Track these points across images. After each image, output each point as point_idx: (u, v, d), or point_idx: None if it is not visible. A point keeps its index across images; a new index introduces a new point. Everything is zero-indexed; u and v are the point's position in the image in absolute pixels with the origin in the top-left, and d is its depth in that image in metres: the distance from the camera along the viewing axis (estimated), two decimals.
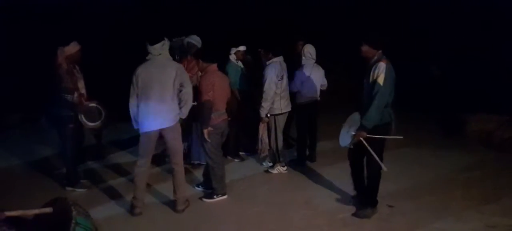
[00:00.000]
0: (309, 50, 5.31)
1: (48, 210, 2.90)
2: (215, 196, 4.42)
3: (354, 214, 4.08)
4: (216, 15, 9.48)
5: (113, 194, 4.60)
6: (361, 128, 3.71)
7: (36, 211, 2.92)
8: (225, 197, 4.45)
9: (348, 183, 4.87)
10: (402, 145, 6.24)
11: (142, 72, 3.86)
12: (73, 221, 2.80)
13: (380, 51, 3.75)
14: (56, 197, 3.21)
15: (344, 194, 4.57)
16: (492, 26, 8.29)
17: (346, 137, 3.93)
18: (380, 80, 3.60)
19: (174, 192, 4.15)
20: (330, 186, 4.83)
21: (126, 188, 4.72)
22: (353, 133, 3.78)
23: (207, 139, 4.22)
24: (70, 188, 4.66)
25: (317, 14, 10.10)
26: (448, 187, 4.78)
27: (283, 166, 5.24)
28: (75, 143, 4.61)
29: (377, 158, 3.77)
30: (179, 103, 3.99)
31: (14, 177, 5.11)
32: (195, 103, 4.27)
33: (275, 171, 5.20)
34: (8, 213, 2.79)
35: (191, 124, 4.96)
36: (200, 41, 5.23)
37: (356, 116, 3.90)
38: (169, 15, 9.28)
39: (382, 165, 3.81)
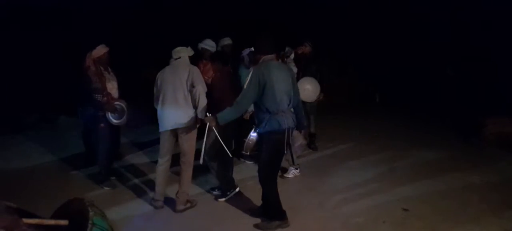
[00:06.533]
0: None
1: (64, 222, 2.93)
2: (228, 193, 4.46)
3: (256, 226, 3.87)
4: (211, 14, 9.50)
5: (130, 195, 4.64)
6: (216, 118, 3.64)
7: (52, 222, 2.96)
8: (237, 189, 4.50)
9: (362, 187, 4.85)
10: (417, 147, 6.22)
11: (160, 76, 4.15)
12: (90, 222, 2.81)
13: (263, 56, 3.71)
14: (73, 198, 3.24)
15: (359, 198, 4.53)
16: (509, 26, 8.15)
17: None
18: (247, 83, 3.66)
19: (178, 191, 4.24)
20: (344, 189, 4.80)
21: (143, 189, 4.78)
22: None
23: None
24: (100, 185, 4.77)
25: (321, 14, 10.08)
26: (465, 191, 4.71)
27: (297, 169, 5.17)
28: (109, 142, 4.70)
29: (225, 147, 4.00)
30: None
31: (31, 177, 5.19)
32: None
33: (290, 175, 5.10)
34: (26, 221, 2.84)
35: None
36: (214, 45, 5.35)
37: None
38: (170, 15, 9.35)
39: (229, 152, 4.07)
